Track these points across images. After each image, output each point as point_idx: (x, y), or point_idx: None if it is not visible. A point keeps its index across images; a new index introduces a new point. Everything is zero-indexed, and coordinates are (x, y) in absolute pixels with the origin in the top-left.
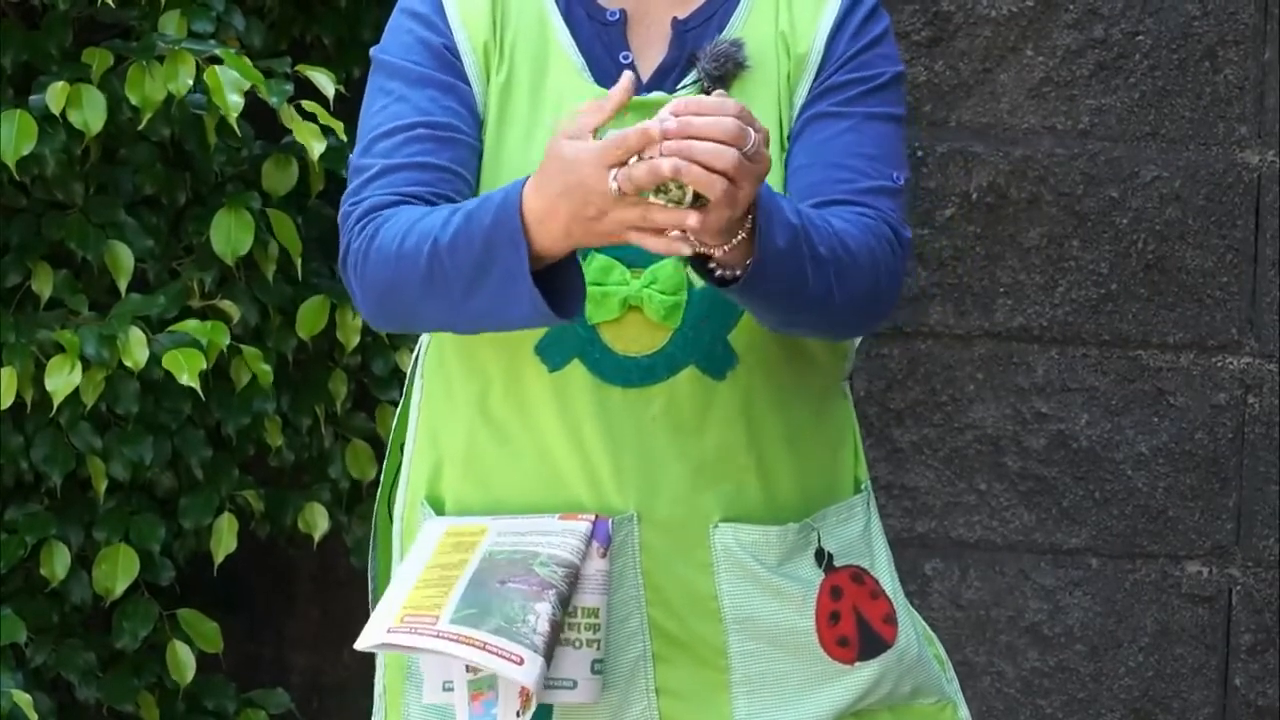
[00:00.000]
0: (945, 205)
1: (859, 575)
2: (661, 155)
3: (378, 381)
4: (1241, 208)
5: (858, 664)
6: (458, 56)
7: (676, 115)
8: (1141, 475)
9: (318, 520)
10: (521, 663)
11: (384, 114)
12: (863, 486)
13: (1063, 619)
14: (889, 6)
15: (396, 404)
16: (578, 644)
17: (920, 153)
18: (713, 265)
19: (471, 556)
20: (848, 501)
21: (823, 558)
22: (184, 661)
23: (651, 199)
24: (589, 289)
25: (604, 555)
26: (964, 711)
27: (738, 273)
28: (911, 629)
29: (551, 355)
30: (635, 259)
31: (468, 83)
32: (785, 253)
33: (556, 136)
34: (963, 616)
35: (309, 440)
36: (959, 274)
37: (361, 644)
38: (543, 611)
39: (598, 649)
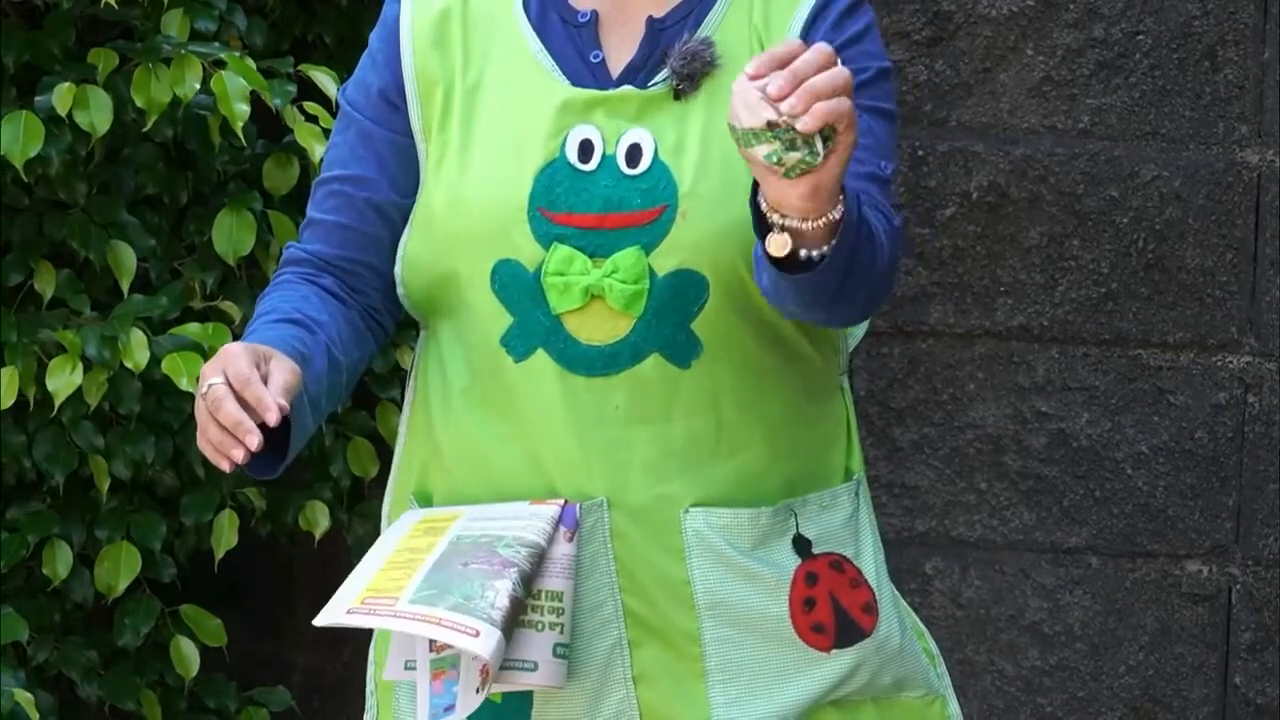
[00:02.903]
0: (946, 204)
1: (839, 563)
2: (782, 116)
3: (378, 380)
4: (1241, 207)
5: (834, 651)
6: (399, 93)
7: (756, 75)
8: (1141, 474)
9: (319, 518)
10: (477, 635)
11: (326, 157)
12: (854, 477)
13: (1063, 618)
14: (890, 6)
15: (396, 402)
16: (540, 626)
17: (920, 152)
18: (797, 247)
19: (440, 540)
20: (832, 489)
21: (800, 544)
22: (187, 656)
23: (775, 162)
24: (552, 279)
25: (570, 539)
26: (954, 707)
27: (814, 252)
28: (895, 620)
29: (516, 346)
30: (597, 249)
31: (390, 124)
32: (858, 219)
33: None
34: (963, 615)
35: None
36: (959, 273)
37: (320, 621)
38: (502, 588)
39: (561, 632)
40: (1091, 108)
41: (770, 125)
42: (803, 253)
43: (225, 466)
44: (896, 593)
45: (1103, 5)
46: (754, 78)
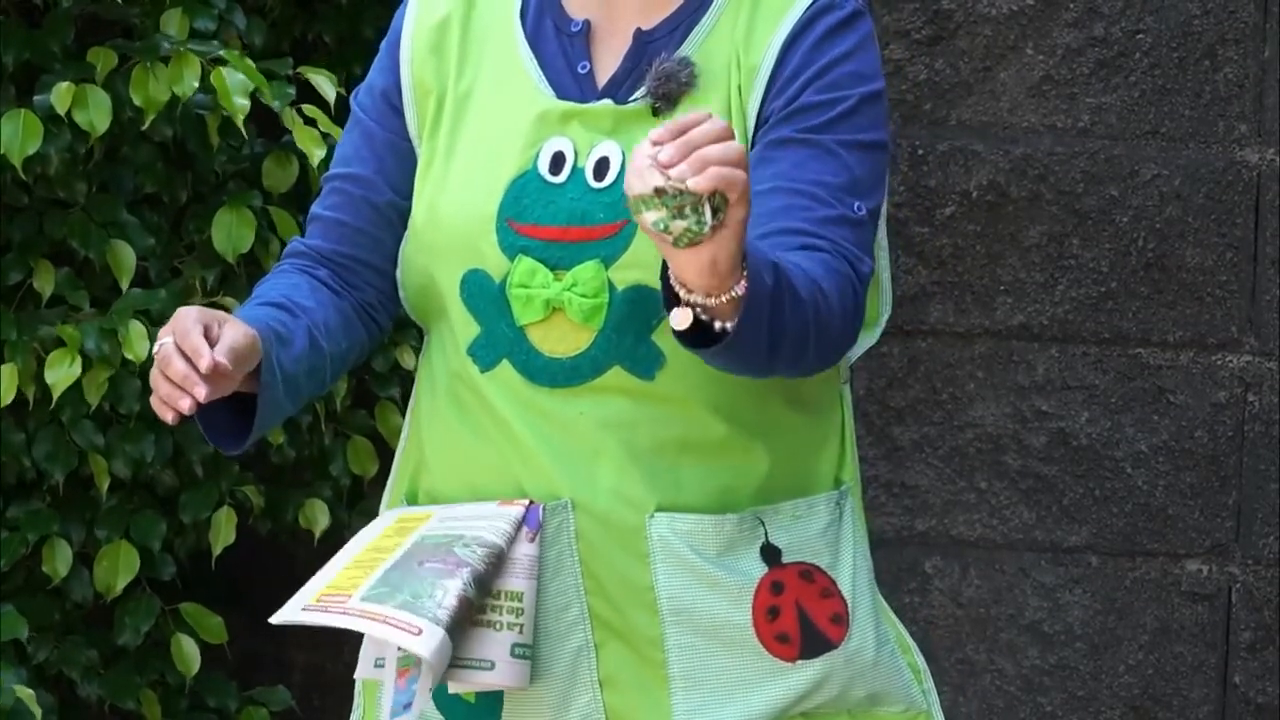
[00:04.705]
0: (946, 204)
1: (809, 573)
2: (670, 181)
3: (378, 379)
4: (1241, 206)
5: (799, 661)
6: (399, 97)
7: (658, 142)
8: (1141, 473)
9: (318, 517)
10: (419, 633)
11: (336, 152)
12: (841, 486)
13: (1063, 617)
14: (890, 5)
15: (396, 401)
16: (498, 626)
17: (920, 151)
18: (709, 319)
19: (406, 540)
20: (809, 499)
21: (769, 552)
22: (188, 654)
23: (663, 229)
24: (516, 290)
25: (532, 540)
26: None
27: (728, 325)
28: (870, 633)
29: (482, 356)
30: (559, 262)
31: (390, 126)
32: (772, 292)
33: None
34: (963, 614)
35: (310, 438)
36: (959, 272)
37: (276, 619)
38: (452, 587)
39: (520, 632)
40: (1091, 107)
41: (658, 192)
42: (716, 325)
43: (169, 418)
44: (883, 605)
45: (1103, 4)
46: (655, 143)
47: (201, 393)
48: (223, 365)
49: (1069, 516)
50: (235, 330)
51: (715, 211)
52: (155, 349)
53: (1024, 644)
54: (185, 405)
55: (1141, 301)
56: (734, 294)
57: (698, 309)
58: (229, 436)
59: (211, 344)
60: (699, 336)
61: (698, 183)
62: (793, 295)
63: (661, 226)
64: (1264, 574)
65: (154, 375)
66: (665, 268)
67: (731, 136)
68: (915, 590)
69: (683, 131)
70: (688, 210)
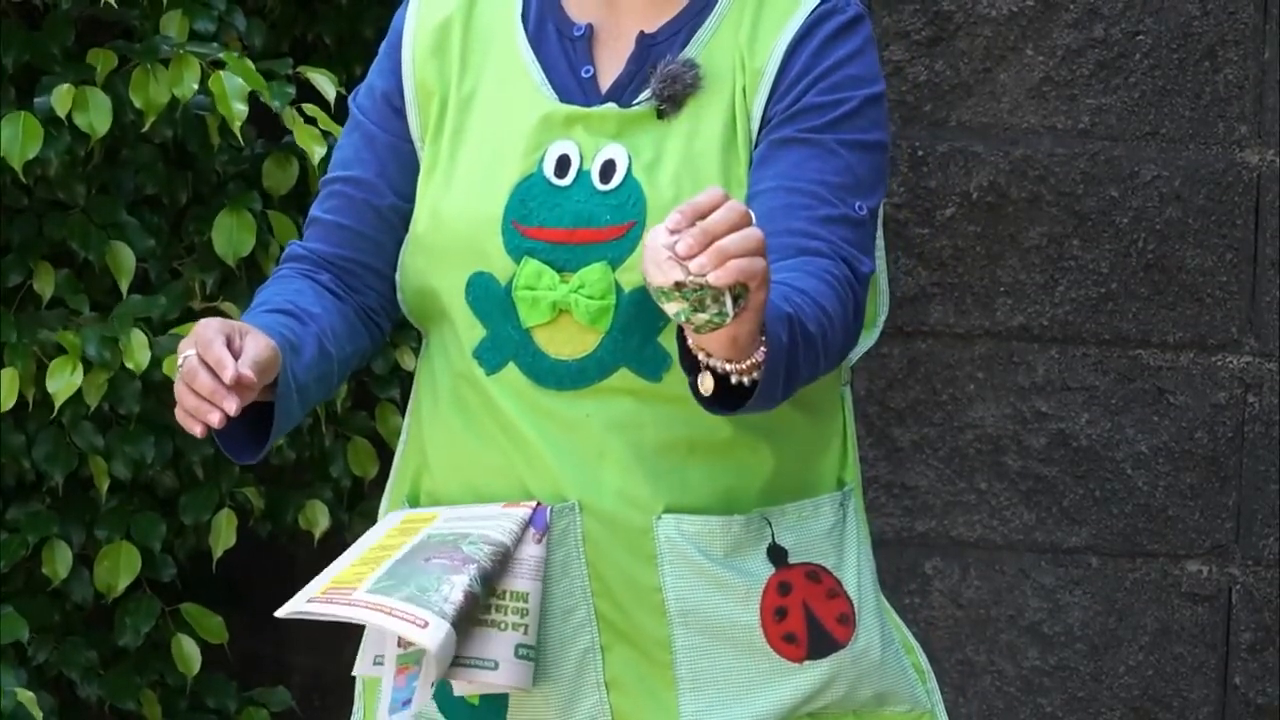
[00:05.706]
0: (945, 205)
1: (815, 573)
2: (690, 275)
3: (378, 380)
4: (1241, 207)
5: (807, 662)
6: (401, 99)
7: (674, 230)
8: (1141, 474)
9: (318, 518)
10: (425, 626)
11: (335, 155)
12: (845, 487)
13: (1063, 618)
14: (890, 6)
15: (396, 402)
16: (502, 626)
17: (920, 152)
18: (733, 378)
19: (412, 539)
20: (814, 499)
21: (776, 553)
22: (189, 654)
23: (684, 320)
24: (522, 293)
25: (539, 541)
26: None
27: (745, 380)
28: (876, 633)
29: (488, 359)
30: (566, 264)
31: (392, 129)
32: (789, 347)
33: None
34: (963, 615)
35: (310, 439)
36: (959, 273)
37: (282, 611)
38: (458, 583)
39: (524, 633)
40: (1091, 108)
41: (678, 285)
42: (733, 379)
43: (198, 431)
44: (887, 606)
45: (1103, 5)
46: (672, 231)
47: (231, 406)
48: (247, 377)
49: (1069, 517)
50: (257, 342)
51: (736, 300)
52: (179, 362)
53: (1024, 645)
54: (214, 419)
55: (1141, 303)
56: (754, 360)
57: (719, 371)
58: (242, 446)
59: (234, 355)
60: (717, 390)
61: (718, 277)
62: (806, 340)
63: (683, 318)
64: (1264, 575)
65: (178, 389)
66: (681, 332)
67: (749, 221)
68: (915, 591)
69: (699, 217)
70: (708, 302)
